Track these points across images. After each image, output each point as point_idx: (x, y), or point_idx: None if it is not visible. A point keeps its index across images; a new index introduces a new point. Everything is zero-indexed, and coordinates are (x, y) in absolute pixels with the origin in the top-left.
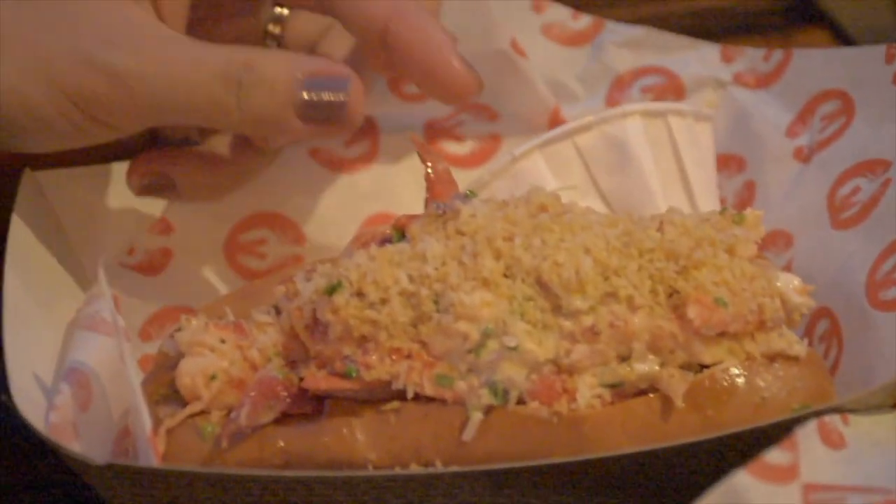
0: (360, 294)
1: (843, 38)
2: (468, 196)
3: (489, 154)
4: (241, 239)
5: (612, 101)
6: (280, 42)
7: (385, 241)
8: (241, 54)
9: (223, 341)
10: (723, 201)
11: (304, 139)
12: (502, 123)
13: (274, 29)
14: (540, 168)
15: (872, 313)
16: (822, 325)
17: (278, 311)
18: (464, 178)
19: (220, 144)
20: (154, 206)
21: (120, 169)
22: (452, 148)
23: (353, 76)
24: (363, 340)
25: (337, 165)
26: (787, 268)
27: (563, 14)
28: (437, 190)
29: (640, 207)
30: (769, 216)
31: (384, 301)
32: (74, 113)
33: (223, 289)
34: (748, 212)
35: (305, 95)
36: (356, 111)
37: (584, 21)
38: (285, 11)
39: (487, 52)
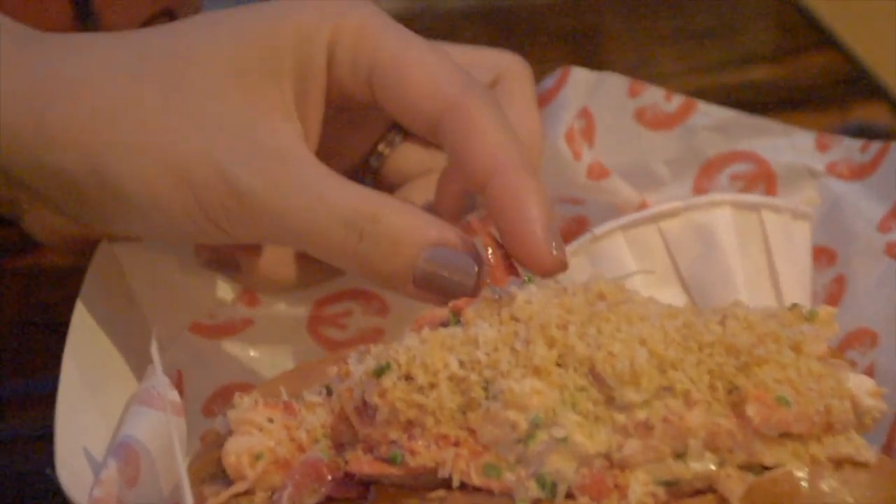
0: (408, 377)
1: None
2: (525, 282)
3: (572, 236)
4: (326, 312)
5: (699, 188)
6: (380, 167)
7: (442, 324)
8: (370, 204)
9: (271, 420)
10: (813, 296)
11: (417, 300)
12: (588, 208)
13: (384, 150)
14: (620, 250)
15: None
16: None
17: (329, 392)
18: None
19: None
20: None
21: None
22: None
23: (481, 257)
24: (410, 425)
25: None
26: (870, 368)
27: (656, 95)
28: (495, 275)
29: (722, 299)
30: (856, 313)
31: (432, 385)
32: (198, 215)
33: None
34: (821, 308)
35: (426, 267)
36: (475, 292)
37: (676, 102)
38: (398, 137)
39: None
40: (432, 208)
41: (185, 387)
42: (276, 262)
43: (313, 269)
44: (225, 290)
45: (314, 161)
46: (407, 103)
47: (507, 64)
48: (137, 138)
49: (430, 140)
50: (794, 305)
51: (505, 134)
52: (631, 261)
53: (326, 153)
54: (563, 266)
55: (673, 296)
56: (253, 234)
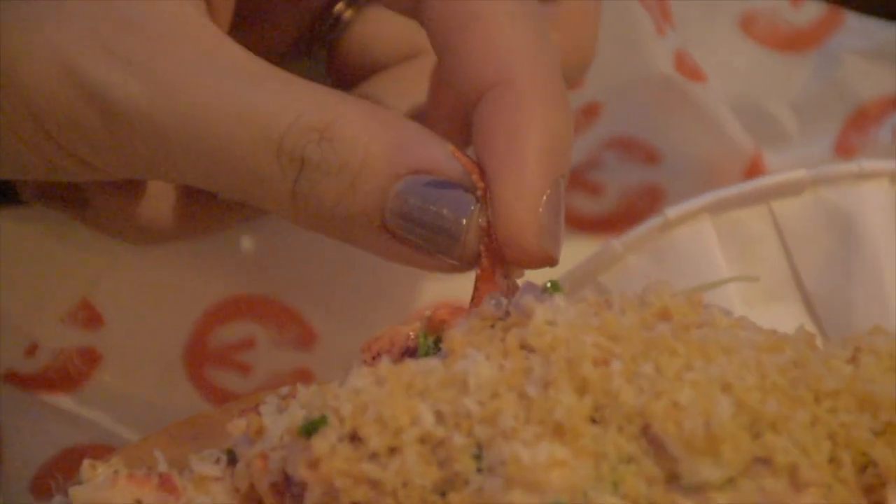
0: (354, 438)
1: None
2: (547, 291)
3: (641, 215)
4: (213, 340)
5: (844, 148)
6: (337, 38)
7: (408, 352)
8: (317, 112)
9: (140, 502)
10: None
11: (387, 259)
12: (666, 169)
13: (344, 11)
14: (707, 243)
15: None
16: None
17: (232, 460)
18: (590, 250)
19: None
20: (78, 281)
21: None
22: (584, 204)
23: (480, 187)
24: None
25: None
26: None
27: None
28: (490, 278)
29: (865, 324)
30: None
31: (393, 451)
32: (45, 144)
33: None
34: None
35: (402, 206)
36: (471, 246)
37: (811, 11)
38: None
39: (640, 86)
40: (421, 116)
41: (4, 452)
42: (149, 196)
43: (205, 207)
44: (55, 301)
45: (226, 46)
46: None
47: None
48: None
49: (409, 15)
50: None
51: (531, 35)
52: (721, 260)
53: (246, 25)
54: (548, 261)
55: (788, 316)
56: (130, 168)
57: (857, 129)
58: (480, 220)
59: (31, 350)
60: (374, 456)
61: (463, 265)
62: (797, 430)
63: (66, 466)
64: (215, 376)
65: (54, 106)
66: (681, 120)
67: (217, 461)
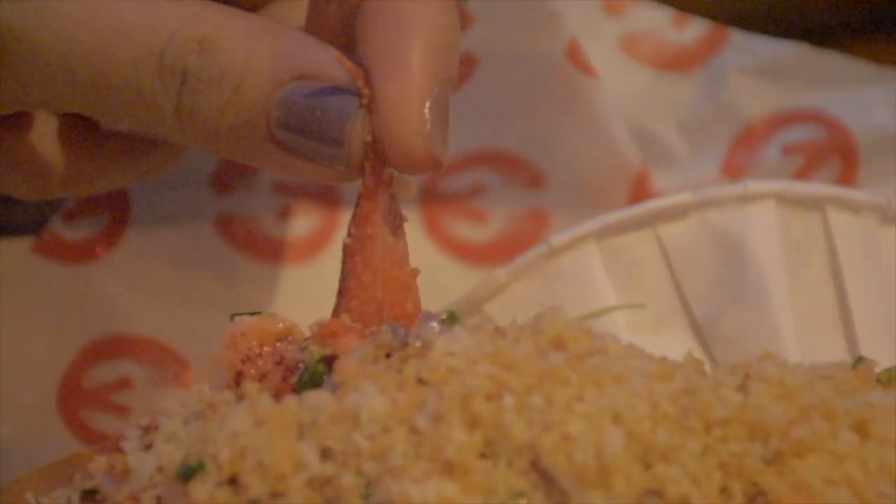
0: (234, 482)
1: None
2: (445, 320)
3: (525, 242)
4: (88, 380)
5: (731, 166)
6: None
7: (291, 370)
8: (196, 23)
9: None
10: None
11: (275, 172)
12: (550, 192)
13: None
14: (593, 270)
15: None
16: None
17: (87, 499)
18: (474, 279)
19: None
20: None
21: None
22: (464, 231)
23: (364, 90)
24: None
25: (265, 249)
26: None
27: (657, 18)
28: (373, 196)
29: (753, 349)
30: None
31: (276, 495)
32: None
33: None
34: None
35: (290, 112)
36: (355, 150)
37: (695, 30)
38: None
39: (525, 59)
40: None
41: None
42: (35, 136)
43: (99, 150)
44: None
45: None
46: None
47: None
48: None
49: None
50: (862, 361)
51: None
52: (609, 287)
53: None
54: (433, 163)
55: (676, 343)
56: (12, 97)
57: (744, 148)
58: (365, 129)
59: None
60: (255, 501)
61: (349, 172)
62: (688, 461)
63: None
64: (91, 418)
65: None
66: (567, 124)
67: (68, 502)
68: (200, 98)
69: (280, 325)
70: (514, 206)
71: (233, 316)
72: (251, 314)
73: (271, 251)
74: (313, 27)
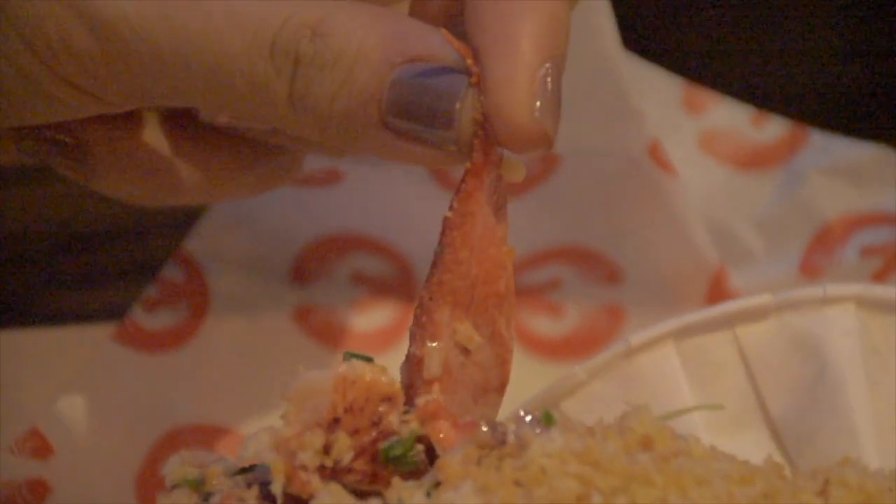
0: None
1: None
2: (543, 421)
3: (602, 339)
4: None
5: (809, 267)
6: None
7: (386, 434)
8: (308, 10)
9: None
10: None
11: (389, 159)
12: (628, 289)
13: None
14: (671, 370)
15: None
16: None
17: None
18: (550, 374)
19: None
20: (25, 410)
21: None
22: (542, 325)
23: (473, 69)
24: None
25: (342, 339)
26: None
27: (737, 116)
28: (479, 174)
29: (832, 453)
30: None
31: None
32: (40, 71)
33: None
34: None
35: (402, 93)
36: (465, 129)
37: (774, 130)
38: None
39: (607, 156)
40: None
41: None
42: (150, 140)
43: (209, 157)
44: (4, 431)
45: None
46: None
47: None
48: None
49: None
50: None
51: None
52: (686, 387)
53: None
54: (544, 140)
55: (754, 445)
56: (129, 93)
57: (822, 249)
58: (475, 107)
59: None
60: None
61: (460, 153)
62: None
63: None
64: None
65: (46, 30)
66: (646, 221)
67: None
68: (314, 83)
69: (388, 386)
70: (591, 302)
71: (346, 355)
72: (364, 358)
73: (348, 342)
74: (419, 12)
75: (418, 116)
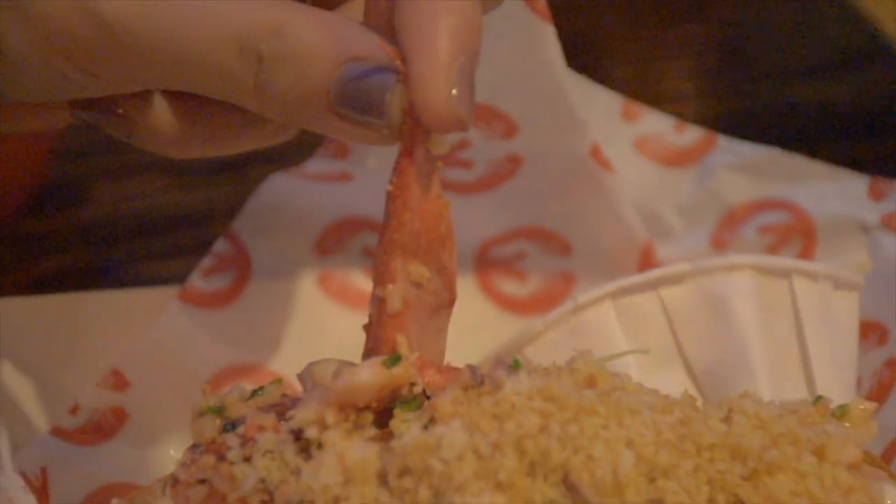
0: None
1: None
2: (512, 366)
3: (556, 298)
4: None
5: (718, 241)
6: None
7: (399, 397)
8: (271, 15)
9: None
10: (858, 382)
11: (335, 137)
12: (576, 259)
13: None
14: (609, 323)
15: None
16: None
17: (176, 483)
18: (517, 328)
19: None
20: (109, 352)
21: (64, 301)
22: (509, 287)
23: (400, 67)
24: None
25: (355, 300)
26: None
27: (663, 124)
28: (409, 153)
29: (736, 388)
30: None
31: None
32: (59, 61)
33: None
34: (854, 403)
35: (345, 86)
36: (394, 117)
37: (691, 135)
38: None
39: (559, 157)
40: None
41: (53, 487)
42: (156, 107)
43: (212, 118)
44: (92, 370)
45: None
46: None
47: None
48: None
49: None
50: (821, 399)
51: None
52: (621, 336)
53: None
54: (459, 123)
55: (674, 382)
56: (129, 77)
57: (727, 227)
58: (403, 99)
59: (74, 410)
60: None
61: (392, 136)
62: (683, 477)
63: (99, 501)
64: None
65: (57, 23)
66: (590, 207)
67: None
68: (274, 75)
69: (408, 378)
70: (548, 270)
71: (387, 360)
72: (395, 358)
73: (359, 301)
74: (368, 20)
75: (358, 106)
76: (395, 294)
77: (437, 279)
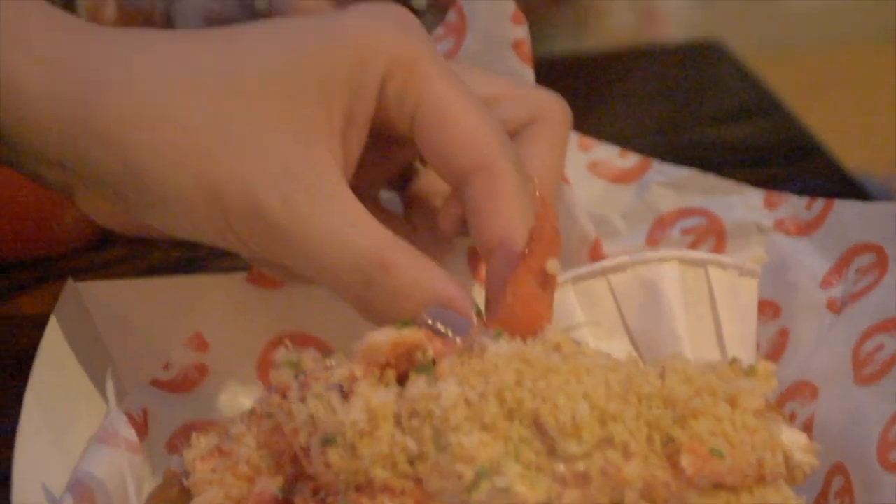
0: (354, 448)
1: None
2: (496, 336)
3: None
4: (274, 356)
5: (652, 240)
6: (411, 180)
7: (414, 361)
8: (383, 252)
9: (214, 470)
10: (758, 347)
11: None
12: None
13: (418, 166)
14: (570, 302)
15: (882, 474)
16: (838, 483)
17: (252, 413)
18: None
19: None
20: (193, 322)
21: (162, 283)
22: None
23: (477, 320)
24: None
25: None
26: (809, 421)
27: (610, 152)
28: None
29: (667, 353)
30: (798, 367)
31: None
32: (227, 231)
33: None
34: (759, 363)
35: (426, 321)
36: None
37: (632, 160)
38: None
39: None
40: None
41: (151, 424)
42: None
43: None
44: (181, 334)
45: (343, 196)
46: (443, 152)
47: (547, 106)
48: (178, 151)
49: (454, 190)
50: (734, 360)
51: (518, 208)
52: (580, 312)
53: (360, 170)
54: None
55: (620, 348)
56: (273, 256)
57: (659, 230)
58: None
59: (167, 366)
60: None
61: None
62: (628, 421)
63: (186, 436)
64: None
65: (238, 213)
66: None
67: (242, 422)
68: (376, 297)
69: (419, 341)
70: None
71: (397, 324)
72: (404, 323)
73: None
74: (445, 223)
75: (440, 328)
76: None
77: None
